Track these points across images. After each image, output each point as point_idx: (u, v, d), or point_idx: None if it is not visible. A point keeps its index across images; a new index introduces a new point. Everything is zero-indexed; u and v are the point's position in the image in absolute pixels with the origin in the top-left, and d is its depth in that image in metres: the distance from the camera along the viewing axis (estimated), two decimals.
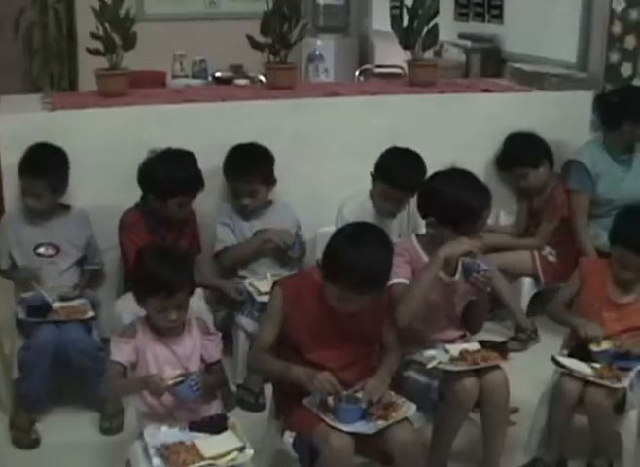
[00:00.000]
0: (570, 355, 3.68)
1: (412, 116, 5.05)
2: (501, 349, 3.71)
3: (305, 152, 4.87)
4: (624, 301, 3.78)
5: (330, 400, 3.14)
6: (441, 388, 3.45)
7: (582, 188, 5.01)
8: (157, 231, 4.32)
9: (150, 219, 4.33)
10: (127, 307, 3.86)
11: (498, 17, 6.58)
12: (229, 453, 3.01)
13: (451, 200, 3.50)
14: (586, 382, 3.50)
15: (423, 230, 3.68)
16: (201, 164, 4.38)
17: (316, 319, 3.27)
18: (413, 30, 5.25)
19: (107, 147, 4.52)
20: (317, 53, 8.27)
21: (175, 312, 3.21)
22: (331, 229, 3.60)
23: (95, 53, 4.73)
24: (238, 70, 7.51)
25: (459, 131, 5.11)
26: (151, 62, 6.69)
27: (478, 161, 4.95)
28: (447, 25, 6.29)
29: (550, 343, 4.28)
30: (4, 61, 7.72)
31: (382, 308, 3.38)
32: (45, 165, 4.23)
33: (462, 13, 6.97)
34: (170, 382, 3.11)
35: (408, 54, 5.36)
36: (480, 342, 3.62)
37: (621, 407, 3.57)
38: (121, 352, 3.22)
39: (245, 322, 4.32)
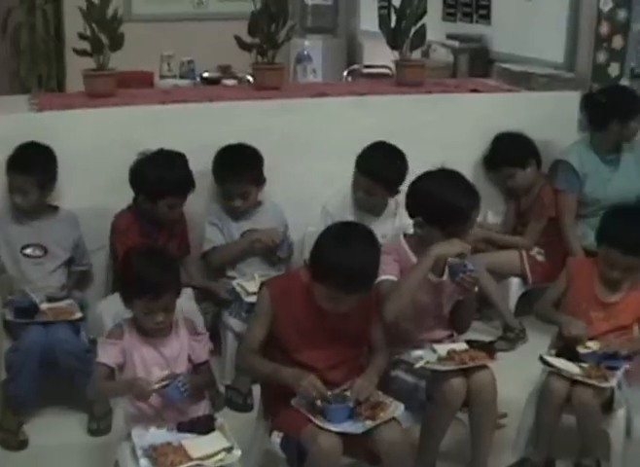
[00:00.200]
0: (558, 355, 3.68)
1: (400, 116, 5.05)
2: (489, 349, 3.70)
3: (293, 152, 4.86)
4: (612, 300, 3.80)
5: (317, 403, 3.14)
6: (428, 388, 3.45)
7: (569, 188, 5.02)
8: (149, 233, 4.32)
9: (142, 221, 4.33)
10: (109, 309, 3.86)
11: (486, 18, 6.60)
12: (216, 454, 3.00)
13: (440, 201, 3.51)
14: (574, 382, 3.51)
15: (411, 230, 3.69)
16: (190, 165, 4.38)
17: (304, 319, 3.27)
18: (401, 30, 5.25)
19: (95, 147, 4.51)
20: (305, 53, 8.28)
21: (162, 314, 3.20)
22: (318, 229, 3.60)
23: (82, 53, 4.72)
24: (226, 71, 7.51)
25: (447, 131, 5.11)
26: (138, 63, 6.67)
27: (465, 160, 4.95)
28: (435, 26, 6.29)
29: (537, 343, 4.28)
30: None
31: (370, 308, 3.38)
32: (32, 162, 4.22)
33: (450, 13, 6.99)
34: (156, 386, 3.11)
35: (395, 55, 5.36)
36: (468, 342, 3.61)
37: (608, 406, 3.58)
38: (107, 354, 3.22)
39: (233, 322, 4.31)
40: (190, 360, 3.31)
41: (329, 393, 3.15)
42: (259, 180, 4.59)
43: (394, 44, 5.30)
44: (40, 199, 4.25)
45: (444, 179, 3.61)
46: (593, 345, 3.65)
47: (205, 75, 7.38)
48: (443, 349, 3.50)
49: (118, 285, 3.48)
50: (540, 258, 5.06)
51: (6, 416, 3.98)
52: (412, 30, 5.24)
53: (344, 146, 4.80)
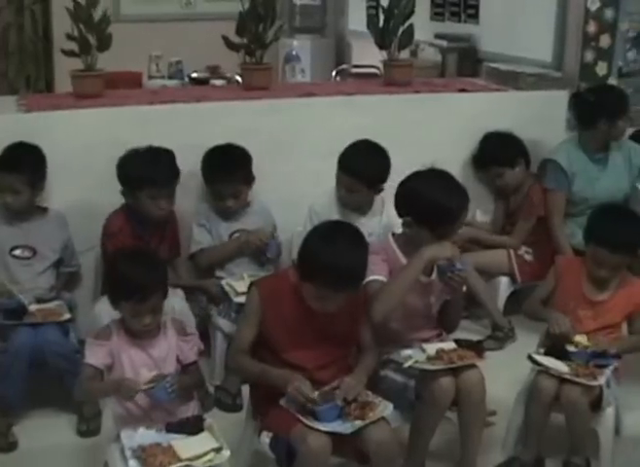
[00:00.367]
0: (546, 353, 3.69)
1: (389, 116, 5.05)
2: (477, 348, 3.71)
3: (282, 152, 4.86)
4: (600, 298, 3.81)
5: (307, 406, 3.14)
6: (417, 387, 3.45)
7: (558, 187, 5.03)
8: (141, 235, 4.32)
9: (134, 223, 4.32)
10: (107, 309, 3.85)
11: (474, 17, 6.61)
12: (205, 454, 3.00)
13: (429, 201, 3.51)
14: (563, 380, 3.52)
15: (399, 229, 3.69)
16: (178, 165, 4.37)
17: (293, 319, 3.28)
18: (389, 30, 5.25)
19: (83, 148, 4.49)
20: (294, 53, 8.29)
21: (149, 316, 3.19)
22: (305, 228, 3.61)
23: (70, 54, 4.70)
24: (215, 71, 7.52)
25: (435, 131, 5.11)
26: (127, 63, 6.67)
27: (454, 160, 4.95)
28: (423, 25, 6.31)
29: (526, 342, 4.28)
30: None
31: (359, 308, 3.39)
32: (22, 161, 4.21)
33: (438, 12, 7.00)
34: (144, 387, 3.10)
35: (384, 54, 5.37)
36: (457, 341, 3.61)
37: (597, 404, 3.59)
38: (95, 355, 3.21)
39: (222, 323, 4.31)
40: (178, 361, 3.30)
41: (316, 393, 3.15)
42: (249, 179, 4.59)
43: (382, 44, 5.30)
44: (31, 199, 4.24)
45: (433, 179, 3.61)
46: (581, 339, 3.66)
47: (194, 75, 7.39)
48: (431, 349, 3.50)
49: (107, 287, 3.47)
50: (528, 257, 5.06)
51: None
52: (400, 30, 5.24)
53: (333, 146, 4.78)
